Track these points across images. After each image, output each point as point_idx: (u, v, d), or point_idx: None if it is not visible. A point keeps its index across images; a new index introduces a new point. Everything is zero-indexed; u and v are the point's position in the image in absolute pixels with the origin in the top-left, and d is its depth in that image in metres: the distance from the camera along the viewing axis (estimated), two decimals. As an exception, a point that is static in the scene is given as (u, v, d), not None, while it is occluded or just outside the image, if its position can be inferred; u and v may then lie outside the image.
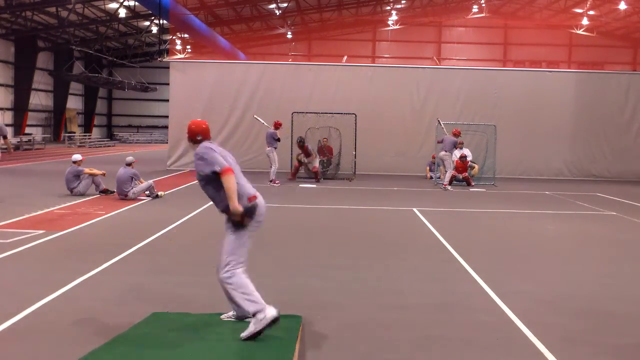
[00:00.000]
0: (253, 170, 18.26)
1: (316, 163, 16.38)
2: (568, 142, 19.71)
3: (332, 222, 9.88)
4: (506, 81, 20.19)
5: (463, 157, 16.49)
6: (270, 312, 4.09)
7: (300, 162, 16.48)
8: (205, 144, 4.40)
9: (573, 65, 41.78)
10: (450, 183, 15.72)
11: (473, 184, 16.20)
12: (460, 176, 16.22)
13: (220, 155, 4.31)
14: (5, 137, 11.59)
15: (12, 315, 4.67)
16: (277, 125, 15.27)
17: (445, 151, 15.34)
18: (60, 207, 10.39)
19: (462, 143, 17.48)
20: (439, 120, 16.55)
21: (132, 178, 11.67)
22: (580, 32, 41.42)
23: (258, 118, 15.91)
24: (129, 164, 11.82)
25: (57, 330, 4.45)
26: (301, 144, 16.07)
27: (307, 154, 16.28)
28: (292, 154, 16.83)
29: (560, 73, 21.94)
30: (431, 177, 17.75)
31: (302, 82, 19.79)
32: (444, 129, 15.93)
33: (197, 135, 4.47)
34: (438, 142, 16.21)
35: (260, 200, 4.36)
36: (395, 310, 5.14)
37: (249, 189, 4.37)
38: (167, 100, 21.63)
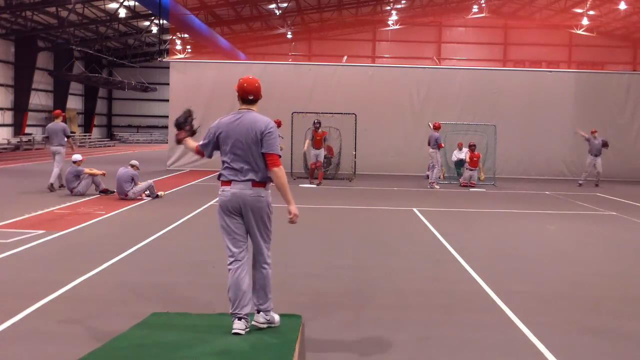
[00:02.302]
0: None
1: (321, 157, 15.89)
2: (568, 142, 19.69)
3: (332, 222, 9.88)
4: (506, 81, 20.20)
5: (472, 146, 16.36)
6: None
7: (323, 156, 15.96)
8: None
9: (573, 65, 41.76)
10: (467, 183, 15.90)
11: (474, 183, 16.21)
12: (473, 175, 16.16)
13: None
14: (68, 137, 12.94)
15: (12, 315, 4.67)
16: (276, 124, 15.13)
17: (432, 148, 15.40)
18: (60, 207, 10.39)
19: (462, 144, 17.49)
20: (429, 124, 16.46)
21: (132, 178, 11.67)
22: (580, 32, 41.40)
23: None
24: (132, 166, 11.85)
25: (57, 330, 4.46)
26: (318, 125, 15.62)
27: (318, 140, 15.66)
28: (292, 155, 16.81)
29: (560, 73, 21.93)
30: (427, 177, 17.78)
31: (302, 82, 19.79)
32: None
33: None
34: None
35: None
36: (395, 310, 5.14)
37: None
38: (167, 100, 21.63)
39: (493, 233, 9.26)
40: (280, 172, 4.15)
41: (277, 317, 4.28)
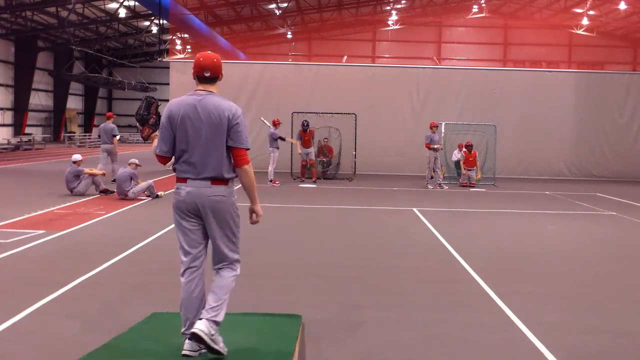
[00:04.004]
0: (253, 171, 18.22)
1: (312, 156, 16.31)
2: (568, 142, 19.71)
3: (332, 222, 9.88)
4: (506, 81, 20.20)
5: (469, 146, 16.35)
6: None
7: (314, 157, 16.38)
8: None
9: (573, 65, 41.76)
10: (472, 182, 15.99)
11: (473, 183, 16.21)
12: (468, 175, 16.17)
13: None
14: (114, 136, 13.87)
15: (12, 315, 4.67)
16: (275, 123, 15.26)
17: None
18: (60, 207, 10.39)
19: (462, 146, 17.41)
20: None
21: (130, 178, 11.65)
22: (580, 32, 41.39)
23: (264, 121, 15.85)
24: (131, 164, 11.85)
25: (57, 331, 4.45)
26: (306, 126, 15.97)
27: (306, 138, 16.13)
28: (292, 155, 16.82)
29: (560, 73, 21.94)
30: (431, 177, 17.77)
31: (302, 82, 19.80)
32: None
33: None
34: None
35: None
36: (395, 310, 5.14)
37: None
38: (167, 100, 21.60)
39: (493, 233, 9.26)
40: (249, 170, 3.63)
41: (222, 343, 3.62)
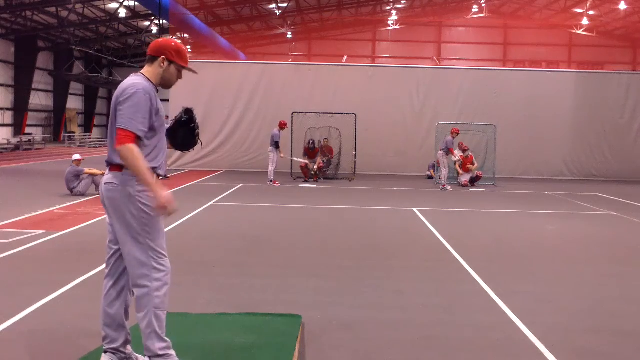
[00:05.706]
0: (253, 170, 18.25)
1: (315, 164, 16.61)
2: (568, 142, 19.71)
3: (332, 222, 9.88)
4: (506, 81, 20.21)
5: (465, 151, 16.32)
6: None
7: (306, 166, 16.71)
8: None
9: (573, 65, 41.74)
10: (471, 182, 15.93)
11: (471, 183, 16.21)
12: (465, 176, 16.18)
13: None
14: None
15: (12, 315, 4.66)
16: (282, 125, 15.28)
17: (441, 150, 15.37)
18: (60, 207, 10.39)
19: (462, 145, 17.38)
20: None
21: None
22: (580, 32, 41.39)
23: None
24: None
25: (56, 331, 4.45)
26: (312, 146, 16.55)
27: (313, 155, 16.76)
28: (292, 155, 16.82)
29: (560, 73, 21.92)
30: (430, 177, 17.80)
31: (302, 82, 19.79)
32: None
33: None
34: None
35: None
36: (395, 310, 5.14)
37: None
38: (167, 100, 21.62)
39: (493, 233, 9.26)
40: (125, 151, 3.02)
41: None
